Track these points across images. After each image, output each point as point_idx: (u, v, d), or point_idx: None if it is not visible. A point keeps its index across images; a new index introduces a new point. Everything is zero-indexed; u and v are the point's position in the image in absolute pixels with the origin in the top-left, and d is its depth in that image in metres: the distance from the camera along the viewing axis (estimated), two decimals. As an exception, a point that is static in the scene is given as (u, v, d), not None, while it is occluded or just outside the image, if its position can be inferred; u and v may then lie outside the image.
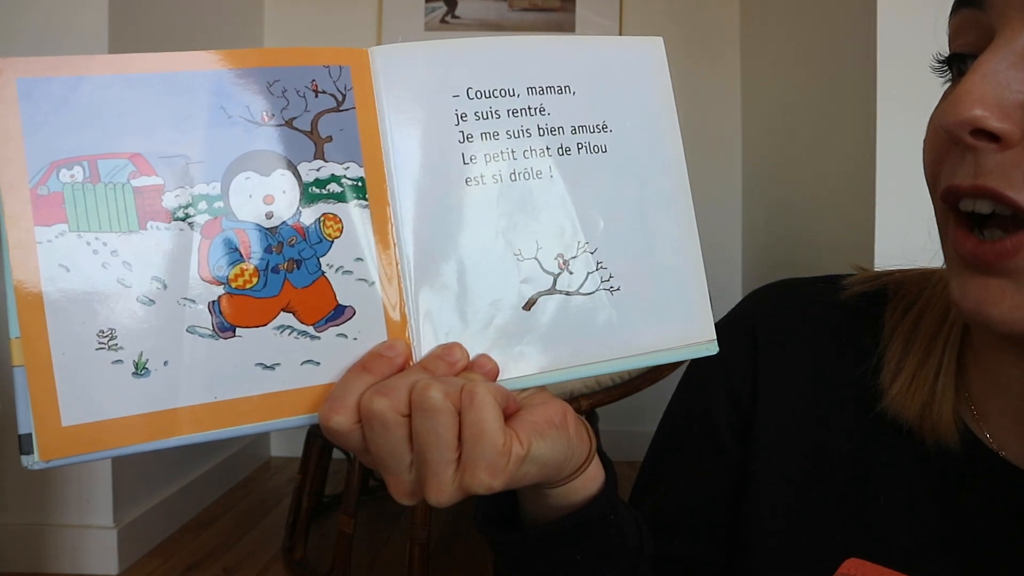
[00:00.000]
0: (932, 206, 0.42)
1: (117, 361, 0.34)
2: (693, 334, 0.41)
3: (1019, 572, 0.41)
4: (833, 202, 1.68)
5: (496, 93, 0.40)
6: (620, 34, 2.49)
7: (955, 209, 0.39)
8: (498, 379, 0.39)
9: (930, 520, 0.44)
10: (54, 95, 0.34)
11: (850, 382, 0.49)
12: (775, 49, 2.18)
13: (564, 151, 0.40)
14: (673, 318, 0.41)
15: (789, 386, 0.50)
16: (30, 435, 0.33)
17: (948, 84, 0.42)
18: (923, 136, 0.42)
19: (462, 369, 0.38)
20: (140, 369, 0.35)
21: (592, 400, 1.45)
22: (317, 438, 1.73)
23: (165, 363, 0.35)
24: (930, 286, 0.48)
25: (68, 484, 1.71)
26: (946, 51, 0.41)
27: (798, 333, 0.52)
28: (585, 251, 0.40)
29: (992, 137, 0.35)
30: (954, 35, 0.40)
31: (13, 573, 1.69)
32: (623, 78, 0.42)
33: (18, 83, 0.34)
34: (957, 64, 0.40)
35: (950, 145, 0.38)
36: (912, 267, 0.52)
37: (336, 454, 1.85)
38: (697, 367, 0.55)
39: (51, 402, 0.33)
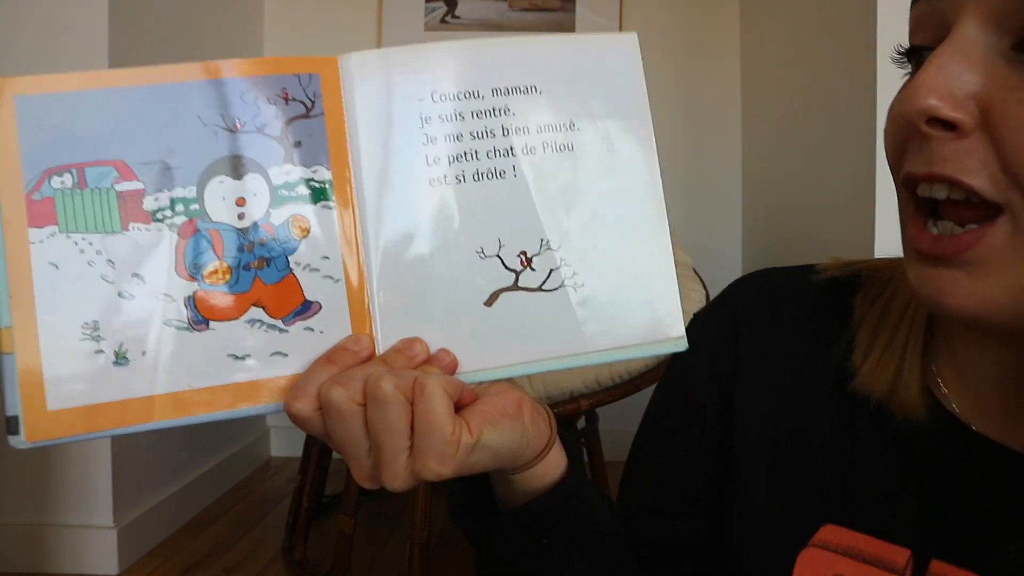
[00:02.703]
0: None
1: (99, 351, 0.37)
2: (660, 331, 0.42)
3: (990, 539, 0.42)
4: (833, 202, 1.68)
5: (460, 96, 0.41)
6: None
7: (914, 196, 0.40)
8: (459, 372, 0.40)
9: (904, 492, 0.45)
10: (48, 109, 0.37)
11: (825, 364, 0.50)
12: (775, 49, 2.18)
13: (529, 151, 0.41)
14: (640, 315, 0.42)
15: (767, 369, 0.52)
16: (17, 417, 0.36)
17: (907, 76, 0.43)
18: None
19: (421, 362, 0.40)
20: (120, 359, 0.37)
21: (592, 400, 1.44)
22: (317, 439, 1.73)
23: (143, 353, 0.37)
24: (899, 273, 0.49)
25: (68, 484, 1.71)
26: (907, 43, 0.43)
27: (775, 319, 0.53)
28: (548, 248, 0.41)
29: (947, 126, 0.37)
30: (914, 28, 0.41)
31: (13, 573, 1.69)
32: (595, 75, 0.42)
33: (16, 100, 0.37)
34: (916, 56, 0.41)
35: (909, 134, 0.40)
36: (886, 256, 0.53)
37: (336, 454, 1.85)
38: (681, 354, 0.56)
39: (38, 387, 0.36)
